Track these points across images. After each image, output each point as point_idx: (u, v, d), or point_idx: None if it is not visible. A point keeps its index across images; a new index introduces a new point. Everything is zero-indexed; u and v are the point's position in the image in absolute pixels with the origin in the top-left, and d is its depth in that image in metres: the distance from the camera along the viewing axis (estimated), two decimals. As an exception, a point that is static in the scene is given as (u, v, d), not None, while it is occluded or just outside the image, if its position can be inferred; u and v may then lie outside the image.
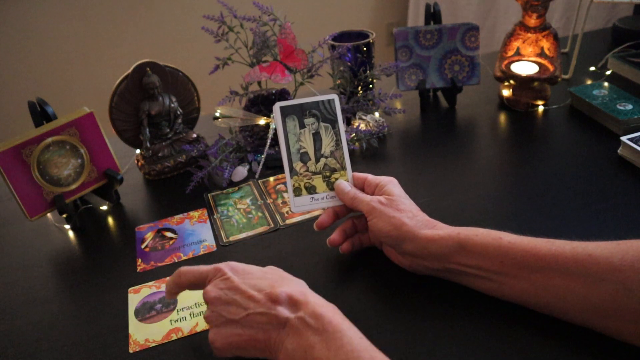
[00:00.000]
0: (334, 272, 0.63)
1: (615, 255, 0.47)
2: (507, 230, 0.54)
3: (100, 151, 0.78)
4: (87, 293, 0.65)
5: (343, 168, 0.64)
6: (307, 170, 0.63)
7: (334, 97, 0.64)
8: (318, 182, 0.63)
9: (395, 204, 0.58)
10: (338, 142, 0.64)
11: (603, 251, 0.47)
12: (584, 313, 0.48)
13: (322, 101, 0.64)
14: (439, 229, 0.56)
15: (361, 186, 0.63)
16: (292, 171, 0.63)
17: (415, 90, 0.98)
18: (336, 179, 0.63)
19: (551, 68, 0.92)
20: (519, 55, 0.95)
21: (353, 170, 0.64)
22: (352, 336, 0.44)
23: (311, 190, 0.63)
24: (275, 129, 0.85)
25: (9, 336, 0.59)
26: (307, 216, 0.74)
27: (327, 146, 0.64)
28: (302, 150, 0.63)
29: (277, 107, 0.63)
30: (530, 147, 0.85)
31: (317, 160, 0.63)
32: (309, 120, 0.63)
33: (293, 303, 0.47)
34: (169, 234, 0.73)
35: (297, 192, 0.63)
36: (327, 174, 0.63)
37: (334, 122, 0.64)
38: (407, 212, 0.57)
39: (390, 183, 0.61)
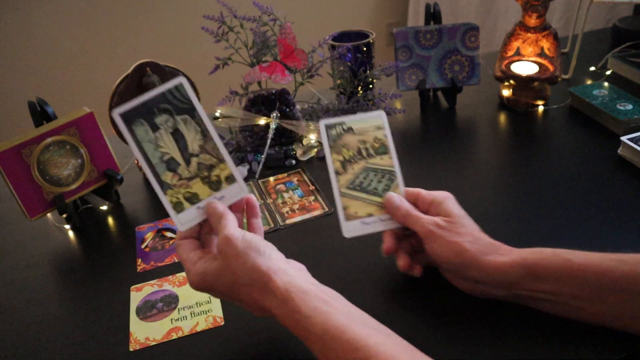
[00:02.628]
0: (335, 272, 0.63)
1: None
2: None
3: (100, 151, 0.78)
4: (87, 293, 0.65)
5: (221, 161, 0.54)
6: (180, 179, 0.53)
7: (181, 80, 0.52)
8: (198, 186, 0.53)
9: (455, 227, 0.53)
10: (205, 133, 0.53)
11: None
12: None
13: (169, 90, 0.52)
14: (503, 254, 0.52)
15: (413, 202, 0.57)
16: (164, 185, 0.52)
17: (415, 90, 0.98)
18: (217, 175, 0.54)
19: (551, 68, 0.92)
20: (519, 55, 0.95)
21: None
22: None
23: (194, 199, 0.53)
24: (275, 129, 0.85)
25: (9, 336, 0.59)
26: (307, 216, 0.74)
27: (193, 142, 0.53)
28: (166, 157, 0.52)
29: (116, 115, 0.50)
30: (530, 147, 0.85)
31: (188, 163, 0.53)
32: (160, 119, 0.52)
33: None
34: (169, 234, 0.73)
35: (178, 207, 0.52)
36: (205, 173, 0.54)
37: (192, 111, 0.53)
38: (468, 236, 0.52)
39: (447, 200, 0.56)
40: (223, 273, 0.49)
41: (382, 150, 0.59)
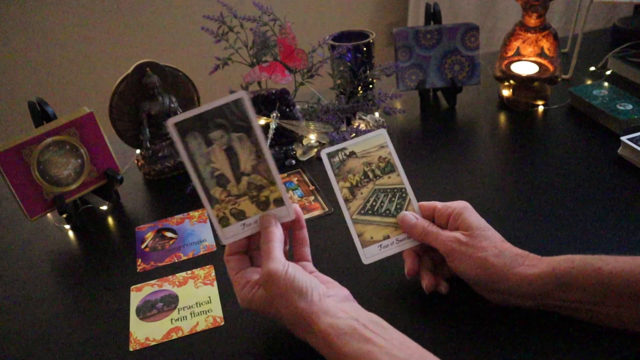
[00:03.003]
0: (335, 272, 0.63)
1: None
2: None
3: (100, 151, 0.78)
4: (87, 293, 0.65)
5: (272, 183, 0.53)
6: (228, 195, 0.52)
7: (242, 95, 0.50)
8: (245, 204, 0.53)
9: (477, 241, 0.51)
10: (259, 154, 0.52)
11: None
12: None
13: (227, 104, 0.50)
14: (531, 265, 0.50)
15: (430, 216, 0.56)
16: (212, 200, 0.52)
17: (415, 90, 0.98)
18: (266, 196, 0.53)
19: (551, 68, 0.92)
20: (519, 55, 0.95)
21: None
22: None
23: (240, 216, 0.53)
24: (275, 129, 0.85)
25: (9, 336, 0.59)
26: (307, 216, 0.74)
27: (246, 161, 0.52)
28: (216, 173, 0.51)
29: (171, 124, 0.49)
30: (530, 147, 0.85)
31: (238, 181, 0.52)
32: (215, 134, 0.50)
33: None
34: (169, 234, 0.74)
35: (223, 222, 0.53)
36: (254, 193, 0.53)
37: (248, 130, 0.51)
38: (491, 249, 0.51)
39: (465, 210, 0.54)
40: (268, 307, 0.49)
41: (389, 168, 0.57)
